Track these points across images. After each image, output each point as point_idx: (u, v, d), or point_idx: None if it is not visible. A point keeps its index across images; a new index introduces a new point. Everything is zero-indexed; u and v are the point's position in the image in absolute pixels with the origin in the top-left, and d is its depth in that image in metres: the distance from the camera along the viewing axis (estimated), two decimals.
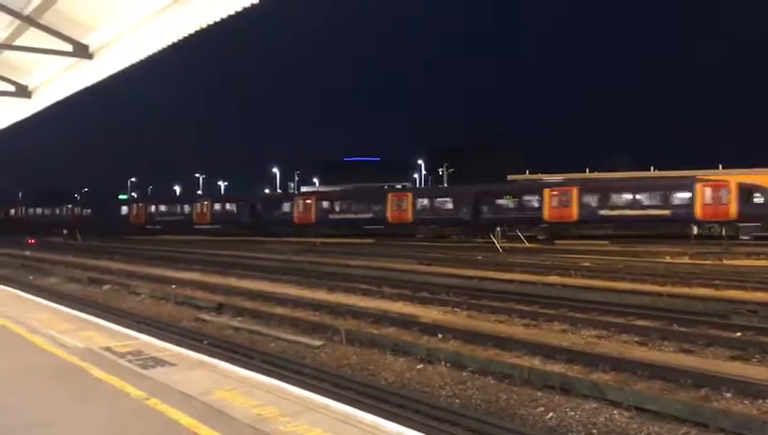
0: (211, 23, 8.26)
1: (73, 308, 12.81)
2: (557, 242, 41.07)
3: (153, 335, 10.01)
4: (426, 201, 50.01)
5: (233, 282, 22.40)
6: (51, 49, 11.52)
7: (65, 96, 14.11)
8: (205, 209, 64.73)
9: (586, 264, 26.03)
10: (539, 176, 64.56)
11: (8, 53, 12.96)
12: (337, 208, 54.54)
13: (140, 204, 72.46)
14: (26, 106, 15.33)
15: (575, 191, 42.85)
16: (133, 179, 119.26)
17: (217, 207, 65.06)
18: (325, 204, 55.49)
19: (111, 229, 65.77)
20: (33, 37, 11.37)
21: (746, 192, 37.97)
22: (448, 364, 10.64)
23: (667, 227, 40.47)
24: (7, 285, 17.27)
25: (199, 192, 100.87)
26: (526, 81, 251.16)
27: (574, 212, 42.49)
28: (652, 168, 63.93)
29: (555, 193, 43.73)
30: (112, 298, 20.12)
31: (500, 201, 47.51)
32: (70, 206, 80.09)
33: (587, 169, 69.14)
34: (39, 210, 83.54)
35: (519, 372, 9.86)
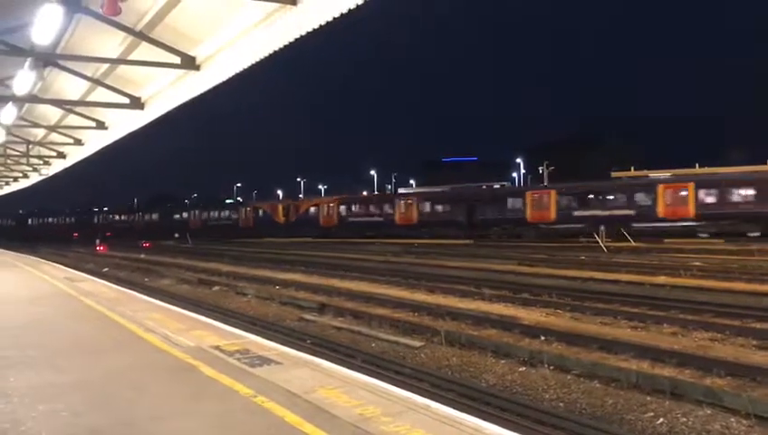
0: (316, 26, 8.41)
1: (185, 308, 13.40)
2: (665, 241, 39.44)
3: (259, 334, 10.31)
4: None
5: (334, 283, 22.80)
6: (161, 62, 12.13)
7: (174, 106, 14.81)
8: (409, 209, 56.40)
9: (697, 263, 24.85)
10: (645, 172, 62.17)
11: (123, 68, 13.75)
12: (578, 204, 46.46)
13: (332, 204, 66.35)
14: (140, 117, 16.22)
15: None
16: (239, 184, 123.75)
17: (426, 206, 55.92)
18: (566, 199, 46.95)
19: (294, 231, 63.44)
20: (144, 51, 12.01)
21: None
22: (552, 367, 10.41)
23: None
24: (125, 287, 18.30)
25: (301, 196, 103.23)
26: (630, 76, 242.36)
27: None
28: None
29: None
30: (221, 299, 20.88)
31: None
32: (248, 208, 78.11)
33: (697, 165, 66.05)
34: (215, 213, 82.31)
35: (626, 375, 9.51)
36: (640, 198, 43.42)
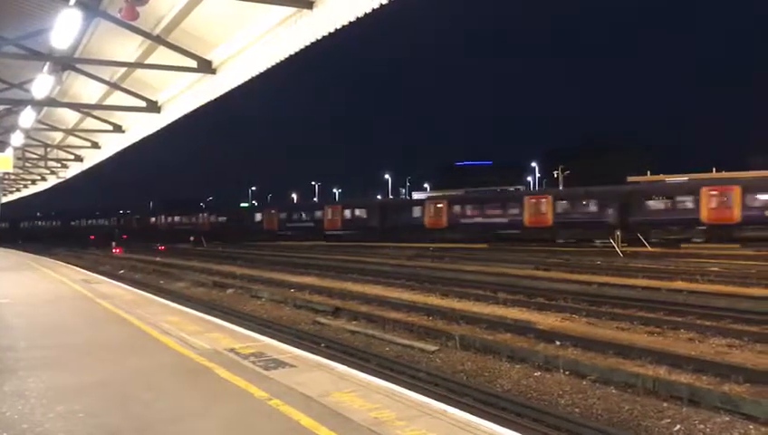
0: (332, 30, 8.44)
1: (200, 311, 13.44)
2: (682, 246, 39.22)
3: (274, 337, 10.33)
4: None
5: (348, 286, 22.80)
6: (177, 66, 12.21)
7: (190, 110, 14.90)
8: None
9: (714, 268, 24.63)
10: (661, 177, 61.81)
11: (140, 72, 13.87)
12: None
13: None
14: (156, 120, 16.34)
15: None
16: (254, 188, 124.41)
17: (564, 205, 46.67)
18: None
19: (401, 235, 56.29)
20: (161, 55, 12.10)
21: None
22: (567, 372, 10.35)
23: None
24: (141, 289, 18.40)
25: (315, 199, 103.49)
26: (645, 80, 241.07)
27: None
28: None
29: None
30: (236, 301, 20.94)
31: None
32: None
33: (713, 169, 65.51)
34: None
35: (643, 381, 9.43)
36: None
